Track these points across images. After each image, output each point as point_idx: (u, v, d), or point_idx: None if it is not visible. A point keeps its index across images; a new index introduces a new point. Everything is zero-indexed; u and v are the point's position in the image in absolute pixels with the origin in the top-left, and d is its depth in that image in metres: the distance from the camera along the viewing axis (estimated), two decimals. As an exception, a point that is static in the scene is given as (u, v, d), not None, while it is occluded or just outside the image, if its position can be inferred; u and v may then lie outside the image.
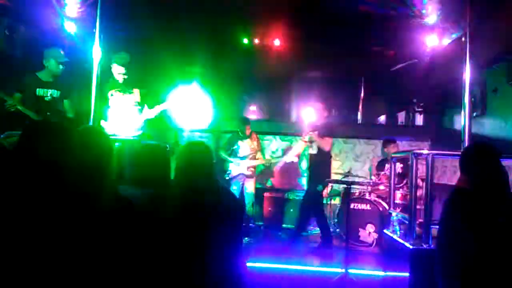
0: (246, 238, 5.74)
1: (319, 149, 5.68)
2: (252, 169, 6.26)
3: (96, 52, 4.06)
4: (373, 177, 6.36)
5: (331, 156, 5.90)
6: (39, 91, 4.76)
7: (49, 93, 4.81)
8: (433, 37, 6.07)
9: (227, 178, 6.14)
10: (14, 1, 5.21)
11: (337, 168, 7.31)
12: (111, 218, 1.84)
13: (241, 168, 6.13)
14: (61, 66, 4.77)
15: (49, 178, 1.67)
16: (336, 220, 6.53)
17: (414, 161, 3.76)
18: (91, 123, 4.02)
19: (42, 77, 4.80)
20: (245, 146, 6.22)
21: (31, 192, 1.61)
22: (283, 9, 6.10)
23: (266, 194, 6.98)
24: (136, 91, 4.82)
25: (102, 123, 4.60)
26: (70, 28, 5.57)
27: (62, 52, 4.79)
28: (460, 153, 4.06)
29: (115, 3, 5.13)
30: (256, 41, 7.42)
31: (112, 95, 4.73)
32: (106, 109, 4.72)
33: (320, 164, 5.75)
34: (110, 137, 2.15)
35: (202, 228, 2.23)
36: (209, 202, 2.29)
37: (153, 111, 4.77)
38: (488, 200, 2.46)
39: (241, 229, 2.47)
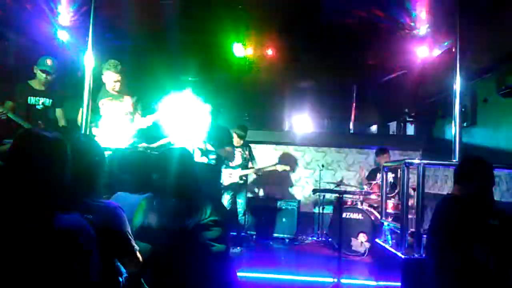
0: (238, 248, 5.71)
1: (219, 159, 5.22)
2: (244, 178, 6.24)
3: (89, 61, 4.05)
4: (365, 186, 6.38)
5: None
6: (31, 99, 4.74)
7: (41, 102, 4.79)
8: (423, 48, 6.15)
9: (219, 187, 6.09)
10: (7, 10, 5.20)
11: (329, 177, 7.34)
12: (100, 223, 1.84)
13: (233, 177, 6.09)
14: (44, 75, 4.74)
15: (38, 187, 1.65)
16: (328, 229, 6.53)
17: (406, 170, 3.78)
18: (82, 132, 4.00)
19: (34, 85, 4.77)
20: (237, 155, 6.18)
21: (19, 202, 1.59)
22: (276, 19, 6.15)
23: (258, 204, 6.98)
24: (127, 99, 4.76)
25: (94, 131, 4.57)
26: (63, 36, 5.57)
27: (48, 61, 4.76)
28: (451, 163, 4.13)
29: (108, 12, 5.14)
30: (249, 50, 7.45)
31: (103, 104, 4.68)
32: (98, 118, 4.69)
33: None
34: (102, 145, 2.14)
35: (188, 234, 2.23)
36: (191, 208, 2.29)
37: (145, 120, 4.72)
38: (483, 207, 2.56)
39: (229, 236, 2.47)
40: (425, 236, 3.56)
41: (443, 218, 2.70)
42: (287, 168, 6.49)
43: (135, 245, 2.03)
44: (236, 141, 6.26)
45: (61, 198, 1.67)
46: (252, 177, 6.89)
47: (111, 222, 1.94)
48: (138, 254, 2.05)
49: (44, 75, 4.74)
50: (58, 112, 4.94)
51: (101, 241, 1.78)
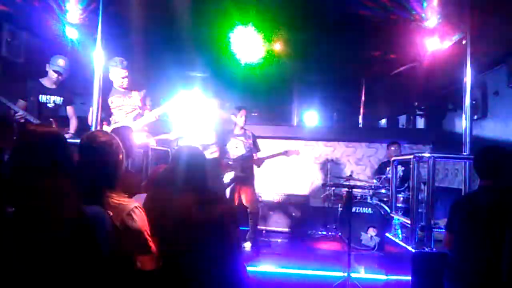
0: (247, 243, 5.71)
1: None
2: (248, 171, 5.67)
3: (98, 58, 4.08)
4: (374, 181, 6.36)
5: None
6: (42, 98, 4.79)
7: (52, 100, 4.84)
8: (433, 40, 6.08)
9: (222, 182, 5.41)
10: (16, 8, 5.24)
11: (338, 172, 7.32)
12: (119, 221, 1.86)
13: (235, 170, 5.58)
14: (56, 75, 4.79)
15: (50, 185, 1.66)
16: (337, 224, 6.52)
17: (416, 164, 3.76)
18: (93, 129, 4.03)
19: (45, 83, 4.83)
20: (239, 145, 5.72)
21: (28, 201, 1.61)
22: (284, 13, 6.12)
23: (267, 198, 6.97)
24: (135, 94, 4.80)
25: (105, 129, 4.60)
26: (72, 34, 5.60)
27: (60, 61, 4.80)
28: (461, 156, 4.09)
29: (117, 9, 5.16)
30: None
31: (112, 102, 4.73)
32: (108, 115, 4.73)
33: None
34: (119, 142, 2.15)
35: (198, 232, 2.25)
36: (203, 205, 2.31)
37: (154, 113, 4.74)
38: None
39: (237, 233, 2.48)
40: (435, 230, 3.57)
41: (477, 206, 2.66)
42: (297, 153, 5.95)
43: (152, 245, 2.05)
44: (238, 129, 5.77)
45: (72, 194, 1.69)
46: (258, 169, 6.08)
47: (130, 220, 1.95)
48: (155, 254, 2.07)
49: (56, 75, 4.80)
50: (69, 110, 4.99)
51: (119, 238, 1.81)
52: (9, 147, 2.65)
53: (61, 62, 4.80)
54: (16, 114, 4.44)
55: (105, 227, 1.74)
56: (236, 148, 5.71)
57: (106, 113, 4.60)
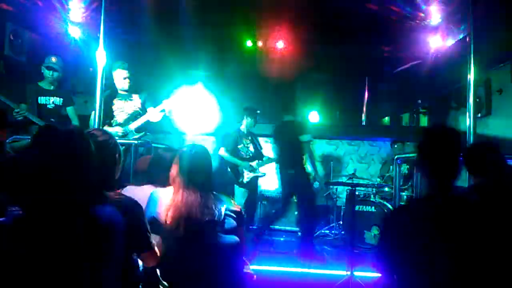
0: (249, 241, 5.69)
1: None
2: (265, 168, 5.92)
3: (101, 57, 4.08)
4: (377, 179, 6.34)
5: None
6: (41, 99, 4.81)
7: (52, 101, 4.86)
8: (437, 38, 6.06)
9: (242, 181, 5.71)
10: (19, 7, 5.25)
11: (341, 170, 7.30)
12: (116, 218, 1.85)
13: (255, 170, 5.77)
14: (50, 72, 4.80)
15: (59, 181, 1.64)
16: (341, 222, 6.51)
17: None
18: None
19: (43, 85, 4.86)
20: (251, 145, 5.84)
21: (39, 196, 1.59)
22: (287, 11, 6.11)
23: (269, 197, 6.97)
24: (136, 97, 4.84)
25: (106, 128, 4.61)
26: (74, 33, 5.61)
27: (53, 59, 4.83)
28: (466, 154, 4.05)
29: (119, 7, 5.16)
30: (260, 43, 7.43)
31: (114, 104, 4.76)
32: (110, 118, 4.75)
33: None
34: (117, 139, 2.15)
35: (201, 232, 2.25)
36: (206, 205, 2.30)
37: (157, 110, 4.74)
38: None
39: (242, 232, 2.48)
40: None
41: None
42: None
43: (153, 240, 2.04)
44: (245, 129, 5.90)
45: (88, 191, 1.67)
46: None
47: (133, 217, 1.95)
48: (156, 249, 2.07)
49: (50, 72, 4.81)
50: (70, 110, 5.00)
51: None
52: (4, 140, 2.65)
53: (53, 59, 4.84)
54: (17, 112, 4.46)
55: (120, 227, 1.73)
56: (250, 148, 5.85)
57: (107, 115, 4.61)
